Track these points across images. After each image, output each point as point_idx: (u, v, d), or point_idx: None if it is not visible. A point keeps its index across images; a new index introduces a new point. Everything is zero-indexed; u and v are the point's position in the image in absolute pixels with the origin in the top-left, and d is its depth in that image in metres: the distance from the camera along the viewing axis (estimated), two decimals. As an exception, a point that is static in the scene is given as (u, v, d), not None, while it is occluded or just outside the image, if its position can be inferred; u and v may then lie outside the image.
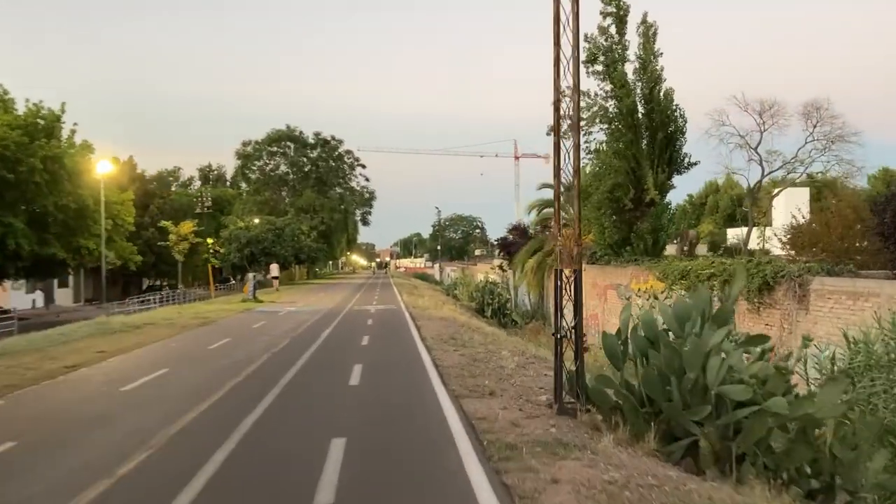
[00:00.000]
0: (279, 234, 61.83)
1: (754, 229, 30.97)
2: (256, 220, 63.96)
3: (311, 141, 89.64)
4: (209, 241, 67.41)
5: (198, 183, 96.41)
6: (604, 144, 26.66)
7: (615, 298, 26.54)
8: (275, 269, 56.20)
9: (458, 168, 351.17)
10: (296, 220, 67.45)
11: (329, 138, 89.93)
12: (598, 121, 25.59)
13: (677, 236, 30.74)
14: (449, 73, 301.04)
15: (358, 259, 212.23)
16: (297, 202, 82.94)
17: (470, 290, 40.70)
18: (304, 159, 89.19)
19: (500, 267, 50.58)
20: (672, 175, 25.49)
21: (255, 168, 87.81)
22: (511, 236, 50.56)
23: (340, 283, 72.05)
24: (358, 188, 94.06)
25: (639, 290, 23.72)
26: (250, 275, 36.29)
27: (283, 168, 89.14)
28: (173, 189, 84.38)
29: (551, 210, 42.98)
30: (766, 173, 25.84)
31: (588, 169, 26.67)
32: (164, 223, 36.62)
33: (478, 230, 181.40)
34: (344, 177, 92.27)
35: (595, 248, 28.60)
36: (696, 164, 26.13)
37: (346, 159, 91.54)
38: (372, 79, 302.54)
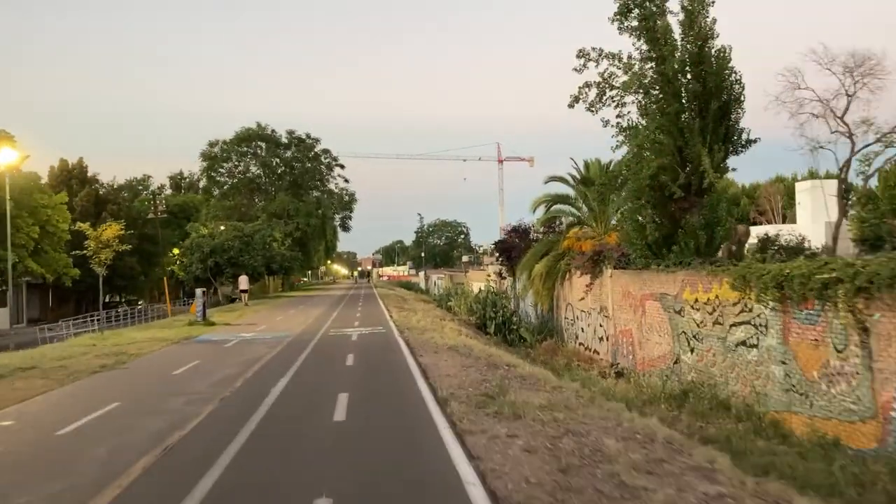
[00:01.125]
0: (248, 241, 56.81)
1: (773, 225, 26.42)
2: (223, 227, 58.83)
3: (285, 140, 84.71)
4: (175, 251, 62.29)
5: (169, 191, 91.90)
6: (641, 119, 21.93)
7: (657, 311, 21.87)
8: (243, 282, 51.31)
9: (440, 174, 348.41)
10: (267, 226, 62.36)
11: (304, 136, 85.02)
12: (634, 89, 20.89)
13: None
14: (428, 76, 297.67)
15: (339, 269, 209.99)
16: (270, 206, 77.83)
17: (468, 302, 35.92)
18: (277, 160, 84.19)
19: (499, 274, 45.87)
20: (728, 155, 20.79)
21: (223, 171, 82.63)
22: (510, 238, 45.88)
23: (318, 295, 67.02)
24: (337, 190, 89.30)
25: (696, 300, 19.02)
26: (198, 291, 31.18)
27: (253, 170, 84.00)
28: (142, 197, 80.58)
29: (562, 207, 38.57)
30: (857, 149, 20.98)
31: (619, 150, 21.97)
32: (80, 226, 31.25)
33: (463, 236, 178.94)
34: (321, 178, 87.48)
35: (628, 249, 23.90)
36: (755, 141, 21.43)
37: (323, 159, 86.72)
38: (347, 84, 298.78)
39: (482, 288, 37.69)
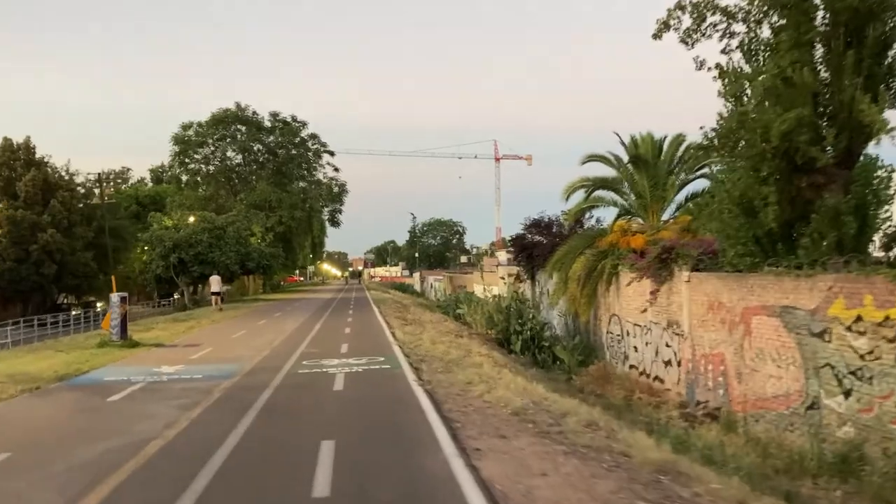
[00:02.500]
0: (219, 235, 50.56)
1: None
2: (192, 219, 52.49)
3: (268, 123, 78.44)
4: (144, 247, 56.08)
5: (150, 185, 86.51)
6: (748, 58, 16.00)
7: (774, 331, 15.95)
8: (215, 283, 45.22)
9: (434, 173, 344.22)
10: (243, 217, 55.96)
11: (289, 119, 78.77)
12: (755, 12, 14.87)
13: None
14: (423, 74, 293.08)
15: (330, 269, 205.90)
16: (250, 197, 71.55)
17: (487, 311, 29.81)
18: (259, 146, 77.97)
19: (517, 276, 39.90)
20: (892, 104, 14.83)
21: (198, 157, 76.38)
22: (531, 234, 39.95)
23: (303, 298, 60.78)
24: (325, 180, 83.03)
25: (857, 319, 13.08)
26: (114, 297, 23.61)
27: (230, 154, 77.81)
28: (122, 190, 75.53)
29: (604, 193, 32.56)
30: None
31: (724, 100, 15.97)
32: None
33: (459, 235, 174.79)
34: (308, 167, 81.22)
35: (723, 243, 17.99)
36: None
37: (310, 145, 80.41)
38: (339, 80, 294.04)
39: (502, 294, 31.54)
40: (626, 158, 29.49)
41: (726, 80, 15.64)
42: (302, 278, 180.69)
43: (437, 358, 16.91)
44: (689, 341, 20.02)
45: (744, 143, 14.85)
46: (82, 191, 55.54)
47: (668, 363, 21.53)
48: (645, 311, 22.25)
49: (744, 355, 17.02)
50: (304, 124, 79.97)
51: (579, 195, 30.77)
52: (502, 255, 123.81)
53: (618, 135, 29.17)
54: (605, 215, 39.80)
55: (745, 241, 16.82)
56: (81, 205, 53.64)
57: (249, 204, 68.88)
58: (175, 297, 58.81)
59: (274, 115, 78.80)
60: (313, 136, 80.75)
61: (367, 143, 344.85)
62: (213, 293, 45.78)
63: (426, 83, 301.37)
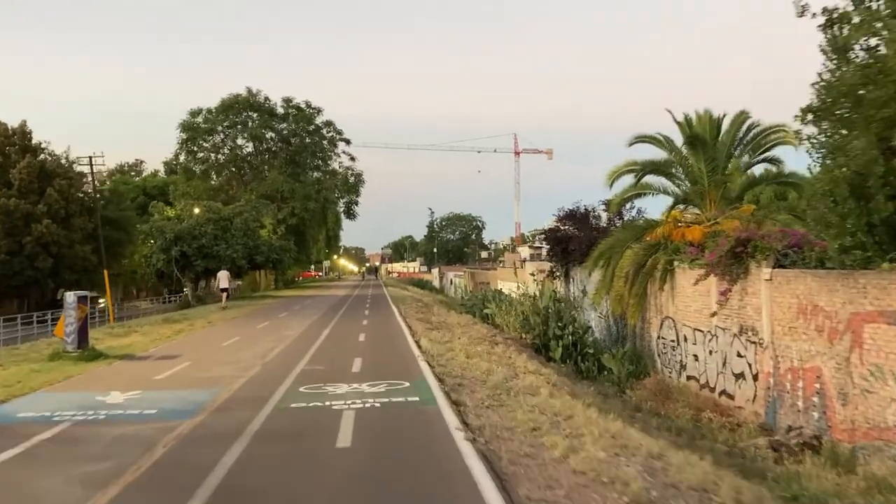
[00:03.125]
0: (225, 227, 47.89)
1: None
2: (197, 210, 49.82)
3: (280, 110, 75.60)
4: (145, 239, 53.66)
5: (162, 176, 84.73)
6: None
7: (895, 343, 12.92)
8: (224, 278, 42.74)
9: (452, 168, 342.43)
10: (251, 208, 53.21)
11: (303, 105, 75.88)
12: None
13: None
14: (441, 68, 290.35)
15: (346, 264, 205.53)
16: (261, 187, 68.87)
17: (521, 312, 26.76)
18: (271, 134, 75.21)
19: (550, 273, 36.92)
20: None
21: (207, 146, 73.82)
22: (565, 227, 36.94)
23: (316, 295, 57.92)
24: (341, 170, 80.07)
25: None
26: (69, 297, 19.61)
27: (241, 142, 75.10)
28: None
29: (652, 179, 29.35)
30: None
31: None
32: None
33: (478, 231, 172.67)
34: (323, 156, 78.35)
35: (822, 235, 14.99)
36: None
37: (324, 133, 77.56)
38: (355, 74, 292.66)
39: (531, 291, 28.48)
40: (678, 141, 26.51)
41: (840, 27, 12.61)
42: (320, 273, 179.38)
43: (479, 380, 13.05)
44: (769, 351, 17.03)
45: (868, 102, 11.77)
46: (86, 180, 53.14)
47: (739, 376, 18.56)
48: (714, 314, 19.21)
49: (851, 372, 14.00)
50: (318, 111, 77.80)
51: (623, 183, 27.76)
52: (524, 251, 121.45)
53: (670, 112, 26.08)
54: (648, 206, 36.88)
55: (853, 232, 13.81)
56: (81, 194, 51.34)
57: (260, 194, 66.16)
58: (185, 292, 56.48)
59: (287, 101, 76.43)
60: (328, 124, 78.27)
61: (385, 137, 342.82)
62: (222, 289, 43.38)
63: (444, 75, 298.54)
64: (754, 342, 17.74)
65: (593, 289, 27.05)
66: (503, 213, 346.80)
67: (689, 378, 21.72)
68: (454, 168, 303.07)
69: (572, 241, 35.61)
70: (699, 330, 21.14)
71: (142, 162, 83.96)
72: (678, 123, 25.75)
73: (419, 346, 18.81)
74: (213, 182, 73.17)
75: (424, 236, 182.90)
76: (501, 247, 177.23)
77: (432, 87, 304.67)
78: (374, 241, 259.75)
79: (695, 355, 21.39)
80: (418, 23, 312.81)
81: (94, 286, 59.87)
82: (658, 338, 24.60)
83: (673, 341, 23.27)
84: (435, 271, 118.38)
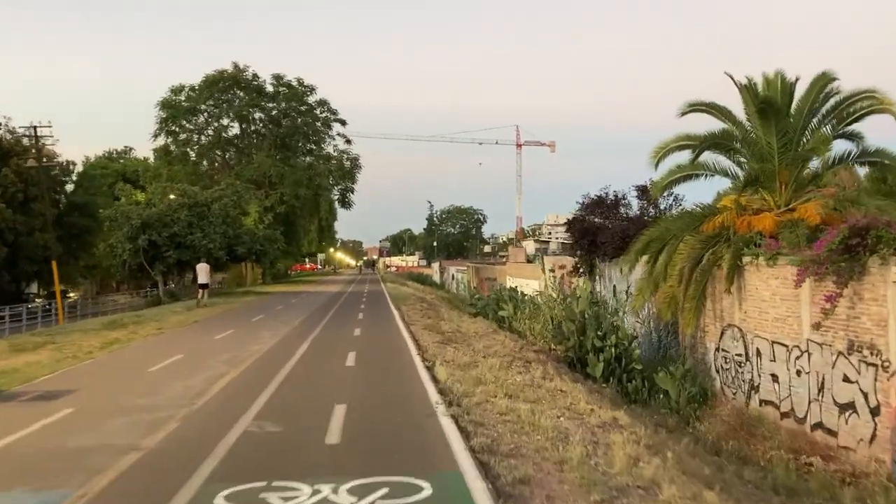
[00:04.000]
0: (202, 213, 43.51)
1: None
2: (172, 196, 45.32)
3: (270, 88, 71.06)
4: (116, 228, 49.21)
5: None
6: None
7: None
8: (203, 272, 38.52)
9: (452, 161, 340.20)
10: (231, 192, 48.64)
11: (294, 83, 71.33)
12: None
13: None
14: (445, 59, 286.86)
15: (343, 257, 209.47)
16: (246, 171, 64.41)
17: (552, 318, 22.33)
18: (260, 115, 70.71)
19: (574, 269, 32.79)
20: None
21: (191, 128, 69.27)
22: (590, 216, 32.80)
23: (305, 291, 53.60)
24: (335, 154, 75.50)
25: None
26: None
27: (226, 123, 70.57)
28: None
29: (707, 158, 24.80)
30: None
31: None
32: None
33: (480, 224, 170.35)
34: (316, 138, 73.83)
35: None
36: None
37: (318, 113, 72.97)
38: (352, 65, 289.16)
39: (574, 292, 23.92)
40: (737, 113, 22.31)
41: None
42: (319, 267, 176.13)
43: (550, 459, 7.69)
44: (900, 378, 13.01)
45: None
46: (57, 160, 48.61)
47: (846, 407, 14.49)
48: (818, 325, 15.06)
49: None
50: (311, 89, 73.10)
51: (669, 164, 23.47)
52: (530, 245, 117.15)
53: (730, 76, 21.85)
54: (689, 192, 32.85)
55: None
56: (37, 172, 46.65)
57: (246, 179, 61.59)
58: (170, 285, 52.15)
59: (277, 79, 71.67)
60: (322, 103, 73.58)
61: (382, 128, 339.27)
62: (201, 285, 39.05)
63: (444, 67, 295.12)
64: (873, 364, 13.68)
65: (633, 289, 22.83)
66: (502, 207, 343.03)
67: (763, 403, 17.69)
68: (454, 161, 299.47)
69: (601, 232, 31.57)
70: (780, 343, 17.08)
71: (131, 149, 79.71)
72: (742, 89, 21.50)
73: (435, 379, 13.29)
74: (195, 166, 68.77)
75: (424, 229, 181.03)
76: (501, 241, 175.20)
77: (433, 77, 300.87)
78: (372, 234, 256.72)
79: (773, 375, 17.34)
80: (417, 16, 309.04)
81: (60, 278, 55.95)
82: (717, 350, 20.55)
83: (739, 355, 19.23)
84: (435, 266, 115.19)
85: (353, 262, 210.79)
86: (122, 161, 78.00)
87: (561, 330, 20.70)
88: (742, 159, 22.16)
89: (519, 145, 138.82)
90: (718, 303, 20.41)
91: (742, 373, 19.01)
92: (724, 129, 21.95)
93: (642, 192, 32.04)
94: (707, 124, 22.91)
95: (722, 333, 20.24)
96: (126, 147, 78.67)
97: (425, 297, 45.34)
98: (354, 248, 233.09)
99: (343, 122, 74.84)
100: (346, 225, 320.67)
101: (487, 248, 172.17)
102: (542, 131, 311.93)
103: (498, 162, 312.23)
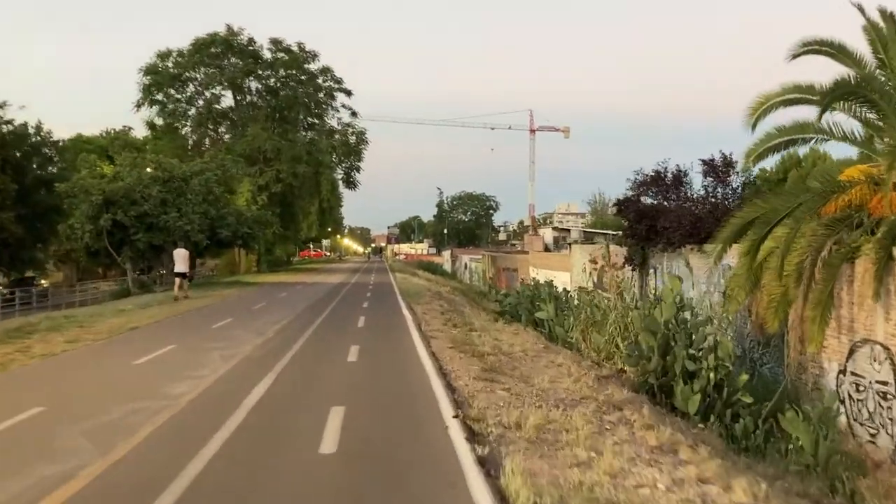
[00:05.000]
0: (179, 189, 38.13)
1: None
2: (149, 169, 39.73)
3: (267, 54, 65.46)
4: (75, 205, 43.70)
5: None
6: None
7: None
8: (181, 260, 33.09)
9: (462, 147, 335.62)
10: (215, 166, 42.92)
11: (295, 47, 65.57)
12: None
13: None
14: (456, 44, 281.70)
15: (351, 244, 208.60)
16: (238, 145, 58.86)
17: (624, 327, 16.86)
18: (255, 84, 65.06)
19: (627, 260, 27.56)
20: None
21: (178, 96, 63.75)
22: (647, 196, 27.66)
23: (302, 283, 47.78)
24: (339, 127, 70.01)
25: None
26: None
27: (219, 92, 64.79)
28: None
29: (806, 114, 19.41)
30: None
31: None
32: None
33: (491, 211, 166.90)
34: (318, 111, 68.24)
35: None
36: None
37: (320, 82, 67.33)
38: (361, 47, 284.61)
39: (666, 288, 18.15)
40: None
41: None
42: (328, 253, 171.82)
43: None
44: None
45: None
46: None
47: None
48: None
49: None
50: (313, 55, 66.42)
51: (765, 126, 18.28)
52: (548, 233, 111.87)
53: (859, 8, 16.66)
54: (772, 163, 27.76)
55: None
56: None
57: (238, 154, 55.89)
58: (162, 271, 46.94)
59: (275, 43, 65.31)
60: (325, 71, 66.99)
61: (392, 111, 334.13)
62: (177, 274, 33.74)
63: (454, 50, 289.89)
64: None
65: (710, 286, 17.58)
66: (512, 194, 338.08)
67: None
68: (465, 147, 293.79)
69: (662, 215, 26.44)
70: None
71: (130, 129, 74.31)
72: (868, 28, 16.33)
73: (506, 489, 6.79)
74: (184, 140, 63.40)
75: (434, 216, 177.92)
76: (512, 229, 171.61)
77: (445, 60, 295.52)
78: (380, 221, 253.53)
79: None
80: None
81: (24, 264, 51.14)
82: (842, 373, 15.40)
83: (883, 383, 14.13)
84: (446, 254, 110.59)
85: (360, 250, 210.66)
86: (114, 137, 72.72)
87: (638, 346, 15.31)
88: (872, 116, 16.99)
89: (532, 130, 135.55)
90: (845, 310, 15.32)
91: (888, 408, 13.95)
92: (857, 76, 16.78)
93: (710, 167, 26.96)
94: (812, 74, 17.73)
95: (852, 352, 15.09)
96: (126, 126, 72.67)
97: (440, 292, 39.70)
98: (362, 236, 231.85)
99: (348, 93, 68.56)
100: (353, 211, 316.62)
101: (503, 236, 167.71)
102: (558, 116, 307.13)
103: (508, 149, 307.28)
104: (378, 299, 31.43)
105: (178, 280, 33.19)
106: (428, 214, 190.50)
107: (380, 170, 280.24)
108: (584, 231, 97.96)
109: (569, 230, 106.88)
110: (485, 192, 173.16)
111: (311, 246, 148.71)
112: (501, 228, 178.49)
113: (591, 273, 36.22)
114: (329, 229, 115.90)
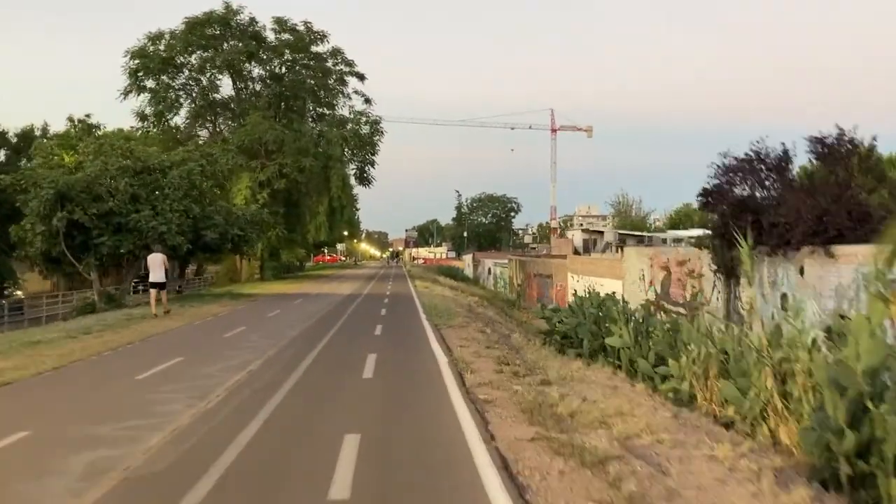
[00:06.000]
0: (155, 183, 32.57)
1: None
2: (127, 161, 33.99)
3: (270, 36, 59.95)
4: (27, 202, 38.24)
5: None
6: None
7: None
8: (156, 266, 27.47)
9: (482, 149, 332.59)
10: (199, 155, 36.74)
11: (301, 27, 59.96)
12: None
13: None
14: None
15: (368, 248, 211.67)
16: (236, 136, 53.20)
17: (782, 375, 11.08)
18: (257, 69, 59.57)
19: (723, 265, 21.78)
20: None
21: (173, 84, 58.27)
22: (736, 184, 21.94)
23: (306, 294, 42.20)
24: (351, 116, 63.77)
25: None
26: None
27: (215, 77, 59.28)
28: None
29: None
30: None
31: None
32: None
33: (512, 213, 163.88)
34: (328, 99, 62.60)
35: None
36: None
37: (331, 65, 61.83)
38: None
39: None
40: None
41: None
42: (344, 258, 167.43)
43: None
44: None
45: None
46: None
47: None
48: None
49: None
50: (322, 36, 60.26)
51: None
52: (577, 236, 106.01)
53: None
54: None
55: None
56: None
57: (238, 147, 50.31)
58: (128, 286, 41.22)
59: (279, 23, 59.20)
60: (335, 53, 61.12)
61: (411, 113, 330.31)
62: (153, 284, 28.22)
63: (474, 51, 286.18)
64: None
65: (839, 303, 11.93)
66: (531, 197, 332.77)
67: None
68: (484, 149, 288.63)
69: (765, 210, 20.68)
70: None
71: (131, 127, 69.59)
72: None
73: None
74: (177, 132, 58.14)
75: (452, 219, 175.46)
76: (531, 232, 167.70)
77: (462, 62, 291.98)
78: (398, 226, 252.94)
79: None
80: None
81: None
82: None
83: None
84: (467, 258, 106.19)
85: (377, 254, 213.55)
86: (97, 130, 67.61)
87: (824, 413, 9.45)
88: None
89: (554, 130, 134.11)
90: None
91: None
92: None
93: (822, 146, 21.22)
94: None
95: None
96: (87, 115, 67.76)
97: (471, 306, 33.78)
98: (380, 240, 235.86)
99: (361, 77, 63.09)
100: (370, 216, 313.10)
101: (527, 239, 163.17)
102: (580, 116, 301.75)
103: (526, 150, 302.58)
104: (395, 322, 24.42)
105: (153, 292, 27.52)
106: (446, 217, 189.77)
107: (397, 172, 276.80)
108: (619, 233, 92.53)
109: (601, 232, 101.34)
110: (505, 194, 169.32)
111: (326, 250, 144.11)
112: (522, 231, 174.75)
113: (650, 282, 30.58)
114: (346, 233, 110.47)
